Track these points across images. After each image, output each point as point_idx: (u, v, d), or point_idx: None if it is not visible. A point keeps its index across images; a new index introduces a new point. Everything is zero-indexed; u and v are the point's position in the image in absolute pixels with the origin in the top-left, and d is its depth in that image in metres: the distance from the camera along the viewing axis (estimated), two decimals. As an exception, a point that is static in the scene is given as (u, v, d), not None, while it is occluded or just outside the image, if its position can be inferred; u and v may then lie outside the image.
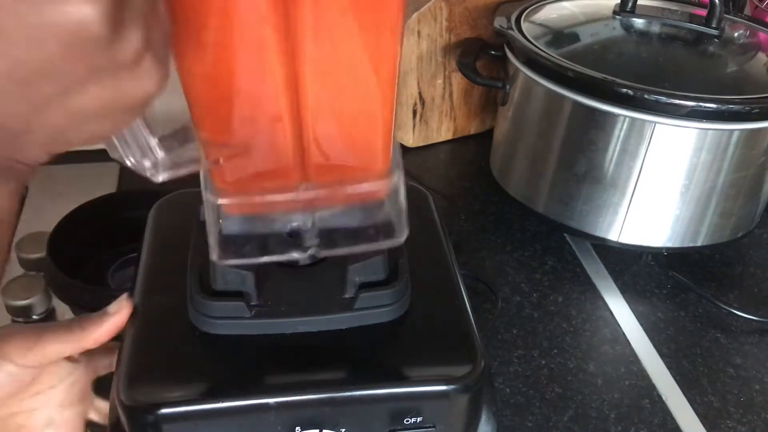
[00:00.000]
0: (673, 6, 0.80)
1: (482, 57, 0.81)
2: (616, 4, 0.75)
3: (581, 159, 0.67)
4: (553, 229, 0.76)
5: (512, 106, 0.74)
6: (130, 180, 0.81)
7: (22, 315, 0.62)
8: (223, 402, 0.35)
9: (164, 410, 0.34)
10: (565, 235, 0.77)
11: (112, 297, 0.52)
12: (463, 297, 0.41)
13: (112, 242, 0.67)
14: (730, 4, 0.82)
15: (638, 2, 0.75)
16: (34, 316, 0.62)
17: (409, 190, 0.37)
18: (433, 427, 0.37)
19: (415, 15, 0.80)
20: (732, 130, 0.63)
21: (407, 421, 0.36)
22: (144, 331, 0.38)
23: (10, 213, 0.27)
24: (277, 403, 0.35)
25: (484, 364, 0.37)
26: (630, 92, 0.62)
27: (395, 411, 0.36)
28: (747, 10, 0.87)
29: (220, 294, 0.37)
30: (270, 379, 0.36)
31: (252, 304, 0.37)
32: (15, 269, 0.67)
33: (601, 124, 0.65)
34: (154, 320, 0.39)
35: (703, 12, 0.73)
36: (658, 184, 0.66)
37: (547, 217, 0.73)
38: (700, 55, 0.72)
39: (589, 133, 0.66)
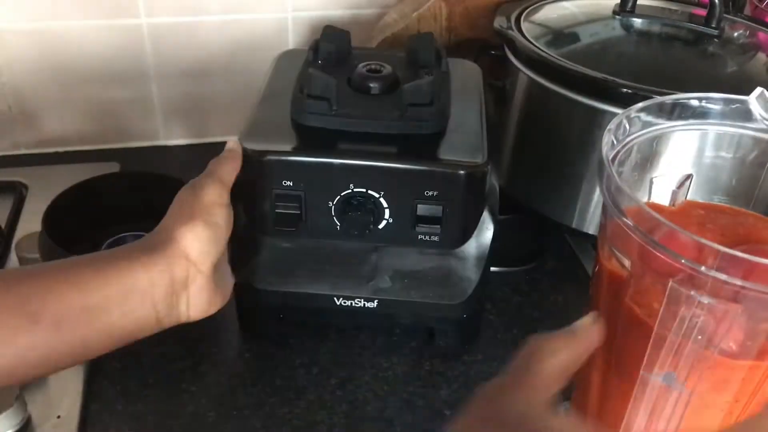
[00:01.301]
0: (673, 6, 0.80)
1: (482, 57, 0.81)
2: (616, 4, 0.75)
3: (581, 159, 0.67)
4: (553, 229, 0.76)
5: (512, 106, 0.74)
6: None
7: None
8: (307, 157, 0.53)
9: (270, 157, 0.53)
10: (565, 235, 0.77)
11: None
12: (483, 124, 0.58)
13: (107, 222, 0.68)
14: (730, 4, 0.81)
15: (638, 2, 0.74)
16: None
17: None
18: (445, 201, 0.53)
19: (415, 15, 0.80)
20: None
21: (427, 193, 0.53)
22: (262, 117, 0.58)
23: None
24: (342, 164, 0.53)
25: (486, 162, 0.54)
26: (630, 92, 0.61)
27: (419, 185, 0.53)
28: (747, 10, 0.87)
29: (313, 97, 0.54)
30: (340, 148, 0.54)
31: (333, 107, 0.54)
32: (15, 269, 0.67)
33: (601, 123, 0.64)
34: (268, 118, 0.58)
35: (703, 12, 0.73)
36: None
37: (547, 217, 0.73)
38: (699, 55, 0.72)
39: (589, 132, 0.66)
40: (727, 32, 0.74)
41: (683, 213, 0.46)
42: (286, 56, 0.67)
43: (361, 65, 0.58)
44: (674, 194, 0.46)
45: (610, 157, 0.41)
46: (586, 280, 0.72)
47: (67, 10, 0.81)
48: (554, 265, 0.73)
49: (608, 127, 0.41)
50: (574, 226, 0.71)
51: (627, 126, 0.43)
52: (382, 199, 0.54)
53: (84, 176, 0.69)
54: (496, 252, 0.58)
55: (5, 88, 0.84)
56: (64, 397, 0.56)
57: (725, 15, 0.74)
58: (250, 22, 0.87)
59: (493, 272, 0.70)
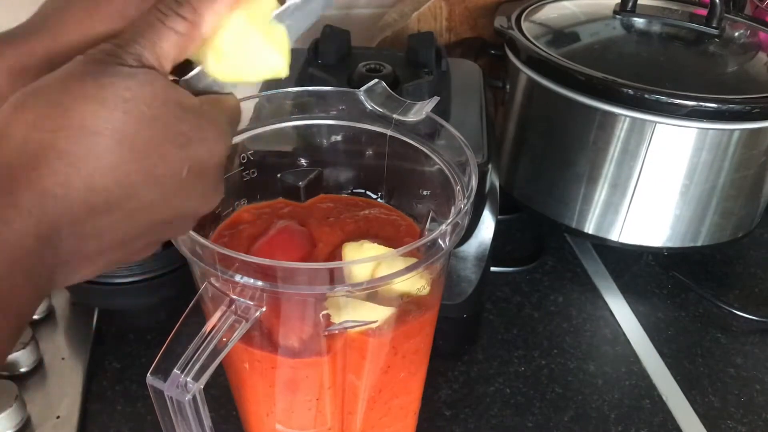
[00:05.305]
0: (674, 5, 0.80)
1: (482, 56, 0.81)
2: (617, 4, 0.75)
3: (581, 159, 0.67)
4: (553, 229, 0.76)
5: (512, 106, 0.74)
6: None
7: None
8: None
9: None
10: (565, 235, 0.77)
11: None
12: (483, 123, 0.57)
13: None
14: (731, 3, 0.81)
15: (638, 2, 0.74)
16: (34, 316, 0.62)
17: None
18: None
19: (415, 15, 0.80)
20: (732, 130, 0.62)
21: (425, 193, 0.48)
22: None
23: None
24: None
25: (486, 162, 0.53)
26: (630, 92, 0.61)
27: (418, 184, 0.48)
28: (747, 10, 0.87)
29: None
30: None
31: None
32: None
33: (601, 123, 0.64)
34: None
35: (704, 11, 0.73)
36: (659, 183, 0.66)
37: (547, 217, 0.73)
38: (700, 54, 0.72)
39: (589, 132, 0.66)
40: (728, 32, 0.74)
41: (311, 207, 0.47)
42: None
43: (361, 65, 0.59)
44: (303, 190, 0.47)
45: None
46: (587, 280, 0.72)
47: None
48: (554, 265, 0.73)
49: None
50: (573, 226, 0.71)
51: None
52: (380, 200, 0.54)
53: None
54: (496, 252, 0.58)
55: (5, 87, 0.84)
56: (64, 397, 0.56)
57: (726, 15, 0.74)
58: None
59: (493, 272, 0.70)
